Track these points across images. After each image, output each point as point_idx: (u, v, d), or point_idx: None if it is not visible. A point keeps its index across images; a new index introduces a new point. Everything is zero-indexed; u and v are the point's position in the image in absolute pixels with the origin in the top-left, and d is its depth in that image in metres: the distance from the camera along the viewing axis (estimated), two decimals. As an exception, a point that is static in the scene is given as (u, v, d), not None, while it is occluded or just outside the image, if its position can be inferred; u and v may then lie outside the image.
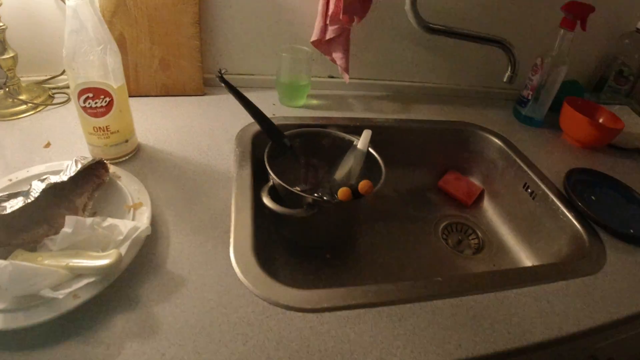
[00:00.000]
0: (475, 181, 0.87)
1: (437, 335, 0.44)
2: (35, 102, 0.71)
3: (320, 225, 0.63)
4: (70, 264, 0.41)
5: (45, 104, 0.72)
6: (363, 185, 0.55)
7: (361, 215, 0.67)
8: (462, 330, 0.45)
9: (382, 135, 0.78)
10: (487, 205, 0.84)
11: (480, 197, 0.85)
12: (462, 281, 0.51)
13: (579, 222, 0.66)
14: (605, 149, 0.92)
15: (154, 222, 0.51)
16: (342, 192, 0.56)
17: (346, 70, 0.78)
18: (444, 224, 0.79)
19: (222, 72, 0.61)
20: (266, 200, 0.56)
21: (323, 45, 0.76)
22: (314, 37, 0.75)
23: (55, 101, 0.73)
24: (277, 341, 0.41)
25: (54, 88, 0.76)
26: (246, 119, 0.68)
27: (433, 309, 0.47)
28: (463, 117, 0.88)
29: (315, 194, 0.68)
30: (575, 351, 0.71)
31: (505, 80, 0.73)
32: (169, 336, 0.39)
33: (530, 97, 0.88)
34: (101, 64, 0.53)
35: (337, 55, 0.76)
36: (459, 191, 0.83)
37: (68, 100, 0.74)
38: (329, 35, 0.73)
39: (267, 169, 0.59)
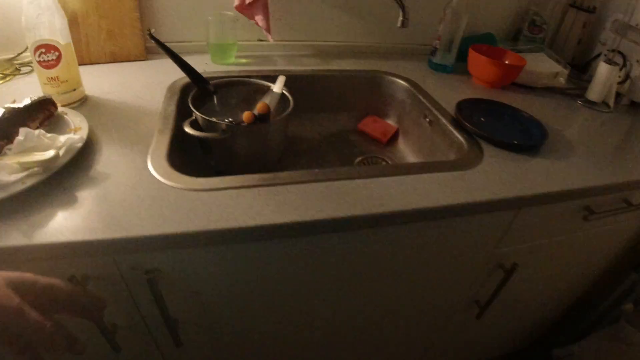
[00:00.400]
0: (391, 122, 1.02)
1: (303, 204, 0.59)
2: (4, 72, 0.88)
3: (240, 152, 0.78)
4: (21, 160, 0.57)
5: (13, 74, 0.89)
6: (260, 106, 0.71)
7: (276, 142, 0.81)
8: (326, 201, 0.60)
9: (302, 83, 0.94)
10: (401, 141, 0.99)
11: (395, 136, 1.00)
12: (337, 172, 0.66)
13: (464, 137, 0.81)
14: (514, 88, 1.06)
15: (90, 140, 0.67)
16: (246, 115, 0.72)
17: (268, 30, 0.94)
18: (360, 157, 0.94)
19: (152, 31, 0.77)
20: (187, 128, 0.72)
21: (245, 9, 0.92)
22: (236, 3, 0.91)
23: (21, 72, 0.91)
24: (172, 209, 0.56)
25: (20, 63, 0.93)
26: (181, 76, 0.84)
27: (305, 189, 0.62)
28: (380, 69, 1.03)
29: (226, 120, 0.83)
30: (479, 260, 0.85)
31: (398, 24, 0.88)
32: (91, 208, 0.55)
33: (438, 46, 1.03)
34: (50, 25, 0.70)
35: (259, 18, 0.92)
36: (376, 131, 0.98)
37: (31, 71, 0.91)
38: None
39: (189, 106, 0.75)
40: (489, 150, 0.79)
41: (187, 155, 0.77)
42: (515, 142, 0.80)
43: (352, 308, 0.83)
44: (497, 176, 0.72)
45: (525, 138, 0.83)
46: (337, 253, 0.68)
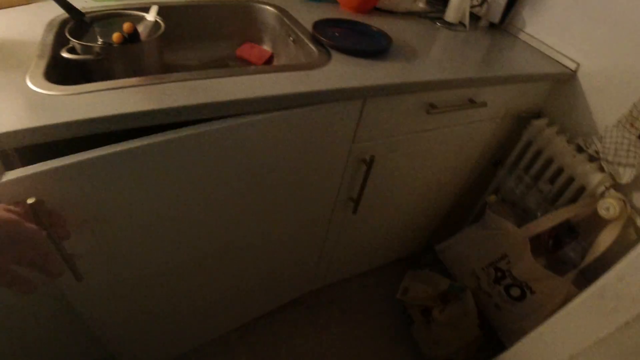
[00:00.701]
0: (266, 47, 1.17)
1: (161, 98, 0.73)
2: None
3: (118, 76, 0.90)
4: None
5: None
6: (126, 26, 0.84)
7: (151, 65, 0.94)
8: (182, 95, 0.74)
9: (181, 14, 1.07)
10: (275, 63, 1.15)
11: (270, 60, 1.15)
12: (196, 74, 0.80)
13: (317, 48, 0.97)
14: (379, 13, 1.23)
15: (-28, 67, 0.78)
16: (115, 36, 0.84)
17: (142, -32, 1.05)
18: (239, 78, 1.09)
19: (25, -31, 0.87)
20: (64, 53, 0.84)
21: (117, -51, 1.02)
22: (107, -57, 1.01)
23: None
24: (45, 109, 0.68)
25: None
26: (62, 13, 0.95)
27: (166, 87, 0.76)
28: None
29: (99, 42, 0.95)
30: (341, 155, 1.02)
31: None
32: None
33: (306, -23, 1.18)
34: None
35: (132, -43, 1.03)
36: (253, 56, 1.13)
37: None
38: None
39: (66, 34, 0.86)
40: (337, 56, 0.95)
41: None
42: (360, 48, 0.97)
43: (238, 211, 0.99)
44: (341, 74, 0.89)
45: (371, 46, 1.00)
46: (205, 146, 0.83)
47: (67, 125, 0.67)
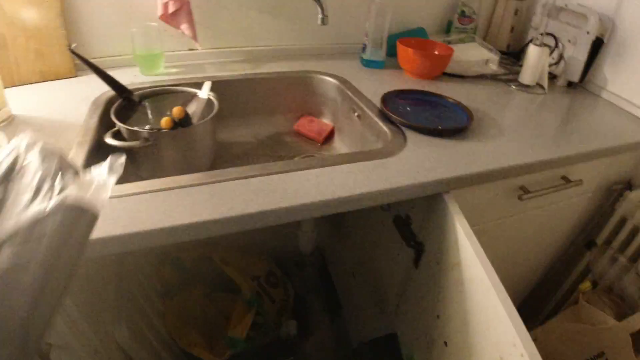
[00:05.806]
0: (327, 121, 1.06)
1: (213, 202, 0.61)
2: None
3: (167, 159, 0.81)
4: None
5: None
6: (176, 110, 0.74)
7: (204, 146, 0.84)
8: (237, 198, 0.63)
9: (234, 88, 0.98)
10: (337, 139, 1.03)
11: (331, 134, 1.03)
12: (254, 168, 0.68)
13: (389, 127, 0.84)
14: (447, 79, 1.11)
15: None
16: (164, 121, 0.75)
17: (194, 38, 0.97)
18: (296, 159, 0.97)
19: (73, 46, 0.81)
20: (108, 139, 0.75)
21: (169, 18, 0.95)
22: (159, 12, 0.95)
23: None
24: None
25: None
26: (108, 89, 0.87)
27: (217, 188, 0.64)
28: (311, 69, 1.07)
29: (147, 127, 0.85)
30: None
31: (318, 22, 0.92)
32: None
33: (367, 42, 1.07)
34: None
35: (184, 26, 0.96)
36: (312, 131, 1.02)
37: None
38: (171, 9, 0.93)
39: (112, 117, 0.77)
40: (413, 137, 0.82)
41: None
42: (439, 127, 0.84)
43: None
44: (419, 162, 0.75)
45: (450, 123, 0.87)
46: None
47: (105, 241, 0.55)
